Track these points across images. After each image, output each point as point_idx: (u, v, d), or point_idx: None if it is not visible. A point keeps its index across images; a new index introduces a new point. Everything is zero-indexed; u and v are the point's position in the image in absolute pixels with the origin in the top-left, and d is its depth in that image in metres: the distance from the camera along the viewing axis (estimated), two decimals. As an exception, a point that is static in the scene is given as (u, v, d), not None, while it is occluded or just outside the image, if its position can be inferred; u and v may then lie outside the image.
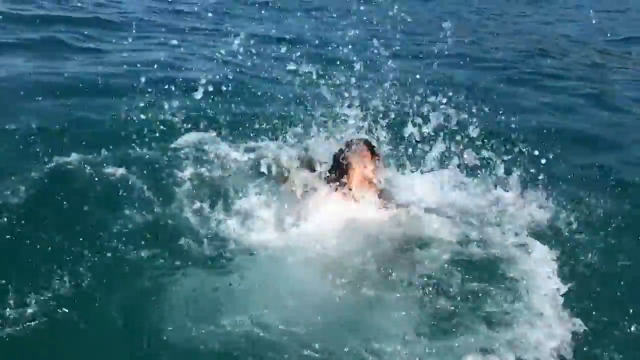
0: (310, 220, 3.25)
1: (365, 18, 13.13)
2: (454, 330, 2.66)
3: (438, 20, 14.82)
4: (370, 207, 3.40)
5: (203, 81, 5.13)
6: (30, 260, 2.76)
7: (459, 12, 17.64)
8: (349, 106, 4.92)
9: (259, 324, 2.52)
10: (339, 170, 3.42)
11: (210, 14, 10.66)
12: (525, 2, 24.32)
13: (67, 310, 2.46)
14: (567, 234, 3.56)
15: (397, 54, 9.18)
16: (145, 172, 3.64)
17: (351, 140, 3.49)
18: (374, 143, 3.65)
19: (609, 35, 15.83)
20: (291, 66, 7.16)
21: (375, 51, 9.05)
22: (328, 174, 3.51)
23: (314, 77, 6.63)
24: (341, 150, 3.45)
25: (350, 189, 3.37)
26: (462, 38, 12.04)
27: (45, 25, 7.34)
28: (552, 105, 6.99)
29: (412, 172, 4.02)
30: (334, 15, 12.67)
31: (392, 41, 10.13)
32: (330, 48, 8.97)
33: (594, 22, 19.25)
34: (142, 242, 2.95)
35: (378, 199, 3.46)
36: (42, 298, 2.50)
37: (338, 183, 3.41)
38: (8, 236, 2.88)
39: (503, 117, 5.83)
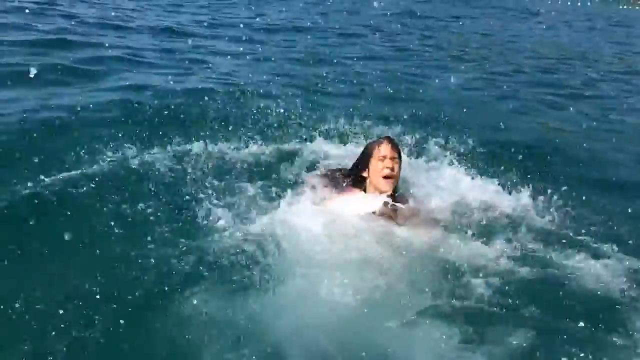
0: (337, 231, 3.07)
1: (360, 35, 13.40)
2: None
3: (431, 36, 15.01)
4: (406, 223, 3.22)
5: (205, 102, 5.11)
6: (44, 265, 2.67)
7: (448, 27, 17.93)
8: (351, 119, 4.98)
9: (281, 341, 2.35)
10: (361, 162, 3.38)
11: (204, 34, 10.64)
12: (512, 19, 24.81)
13: (74, 322, 2.33)
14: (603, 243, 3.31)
15: (393, 68, 9.29)
16: (165, 178, 3.58)
17: (376, 138, 3.50)
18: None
19: (598, 48, 16.12)
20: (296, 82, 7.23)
21: (372, 67, 9.15)
22: (350, 170, 3.46)
23: (321, 92, 6.69)
24: (366, 147, 3.44)
25: (365, 184, 3.30)
26: (455, 53, 12.16)
27: (42, 50, 7.24)
28: (547, 116, 6.99)
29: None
30: (333, 35, 12.81)
31: (387, 58, 10.26)
32: (332, 66, 8.99)
33: (581, 35, 19.59)
34: (161, 251, 2.81)
35: (402, 204, 3.29)
36: (50, 305, 2.40)
37: (355, 179, 3.36)
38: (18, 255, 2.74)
39: (500, 131, 5.80)
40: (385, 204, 3.15)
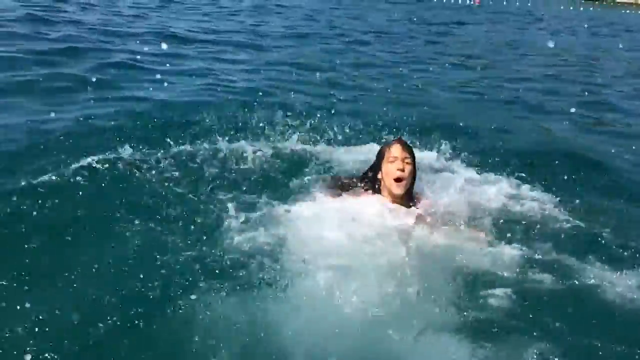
0: (350, 234, 3.02)
1: (364, 41, 13.42)
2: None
3: (435, 41, 15.01)
4: (418, 222, 3.17)
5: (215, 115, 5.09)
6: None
7: (452, 33, 17.94)
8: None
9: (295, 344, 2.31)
10: (375, 165, 3.36)
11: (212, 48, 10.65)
12: (516, 24, 24.82)
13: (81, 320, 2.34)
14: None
15: (398, 74, 9.28)
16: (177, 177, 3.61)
17: (387, 141, 3.49)
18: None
19: (602, 52, 16.10)
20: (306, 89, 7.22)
21: (377, 73, 9.15)
22: (366, 175, 3.43)
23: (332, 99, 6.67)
24: (380, 149, 3.41)
25: (380, 186, 3.27)
26: (460, 58, 12.15)
27: (49, 59, 7.25)
28: (557, 122, 6.93)
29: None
30: (337, 42, 12.82)
31: (392, 65, 10.26)
32: (336, 72, 8.99)
33: (585, 40, 19.57)
34: (170, 255, 2.79)
35: (415, 203, 3.29)
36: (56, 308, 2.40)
37: (370, 183, 3.33)
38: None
39: (511, 136, 5.76)
40: (419, 216, 3.13)
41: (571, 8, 38.07)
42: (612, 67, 12.91)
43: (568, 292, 2.75)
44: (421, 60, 11.14)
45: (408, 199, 3.28)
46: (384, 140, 4.46)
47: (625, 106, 8.31)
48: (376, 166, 3.34)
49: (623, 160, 5.35)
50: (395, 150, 3.23)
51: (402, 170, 3.17)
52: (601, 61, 13.73)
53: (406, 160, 3.21)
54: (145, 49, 8.88)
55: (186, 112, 5.21)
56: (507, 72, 10.74)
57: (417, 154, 3.66)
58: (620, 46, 18.08)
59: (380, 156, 3.33)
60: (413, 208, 3.26)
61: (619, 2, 67.37)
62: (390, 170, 3.19)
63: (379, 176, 3.29)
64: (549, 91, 9.07)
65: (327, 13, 21.04)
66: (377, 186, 3.32)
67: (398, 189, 3.18)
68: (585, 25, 26.79)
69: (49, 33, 9.13)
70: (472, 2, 37.50)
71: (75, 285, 2.53)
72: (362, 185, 3.37)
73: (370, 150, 4.33)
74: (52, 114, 4.94)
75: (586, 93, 9.14)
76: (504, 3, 42.38)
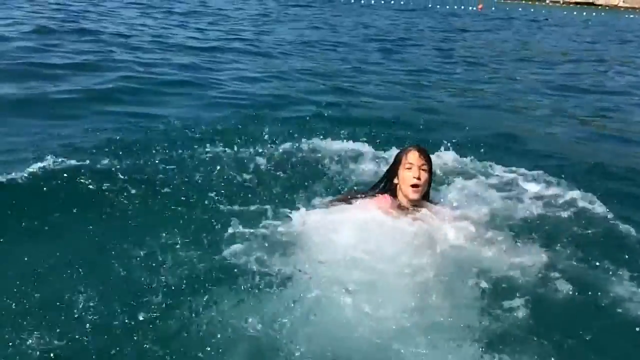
0: (362, 238, 2.97)
1: (369, 49, 13.47)
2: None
3: (440, 48, 15.05)
4: (429, 221, 3.15)
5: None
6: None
7: (455, 39, 17.99)
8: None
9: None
10: (391, 170, 3.33)
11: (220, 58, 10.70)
12: (519, 29, 24.84)
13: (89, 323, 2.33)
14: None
15: (403, 81, 9.29)
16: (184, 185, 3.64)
17: (404, 147, 3.41)
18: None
19: (612, 55, 16.10)
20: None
21: (383, 80, 9.17)
22: (381, 181, 3.39)
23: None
24: (397, 154, 3.37)
25: (397, 192, 3.24)
26: (464, 64, 12.17)
27: (55, 73, 7.30)
28: (569, 127, 6.91)
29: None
30: (343, 50, 12.85)
31: (398, 72, 10.28)
32: (343, 78, 9.01)
33: (590, 44, 19.56)
34: (178, 256, 2.80)
35: (431, 208, 3.25)
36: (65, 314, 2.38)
37: (385, 187, 3.31)
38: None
39: (522, 142, 5.74)
40: (434, 222, 3.11)
41: (574, 13, 38.09)
42: (626, 70, 12.85)
43: (595, 307, 2.68)
44: (428, 67, 11.17)
45: (423, 204, 3.26)
46: (392, 148, 4.42)
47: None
48: (392, 171, 3.33)
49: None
50: (412, 157, 3.21)
51: (419, 178, 3.16)
52: (612, 63, 13.68)
53: (423, 168, 3.19)
54: (152, 59, 8.94)
55: (194, 122, 5.20)
56: (513, 78, 10.74)
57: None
58: (627, 47, 18.01)
59: (396, 162, 3.31)
60: (427, 213, 3.22)
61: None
62: (407, 177, 3.18)
63: (395, 181, 3.29)
64: (559, 96, 9.08)
65: (332, 21, 21.15)
66: (392, 191, 3.30)
67: (414, 195, 3.17)
68: (590, 29, 26.77)
69: (59, 45, 9.21)
70: (475, 9, 37.65)
71: (79, 292, 2.50)
72: (377, 191, 3.35)
73: (378, 158, 4.36)
74: (61, 127, 4.96)
75: (600, 97, 9.12)
76: (507, 9, 42.46)
